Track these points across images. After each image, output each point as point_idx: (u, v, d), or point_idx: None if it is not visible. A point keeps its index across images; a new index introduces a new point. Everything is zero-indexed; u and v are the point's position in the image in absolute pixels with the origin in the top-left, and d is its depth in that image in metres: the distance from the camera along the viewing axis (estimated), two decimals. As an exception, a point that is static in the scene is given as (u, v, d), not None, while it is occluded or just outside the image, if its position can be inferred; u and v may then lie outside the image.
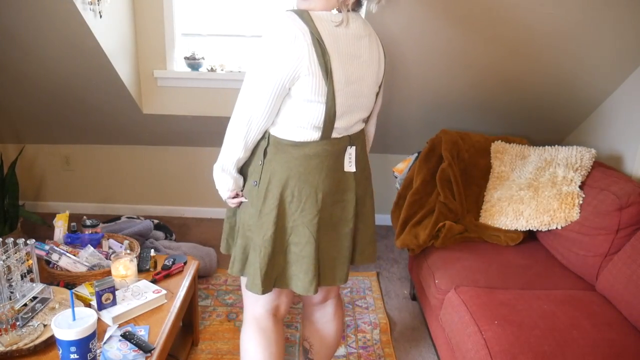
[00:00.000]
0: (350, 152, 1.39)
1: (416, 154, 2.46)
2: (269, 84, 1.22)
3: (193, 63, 2.73)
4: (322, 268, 1.40)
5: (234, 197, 1.42)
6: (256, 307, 1.49)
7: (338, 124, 1.31)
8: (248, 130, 1.29)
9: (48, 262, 1.76)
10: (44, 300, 1.53)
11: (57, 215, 1.96)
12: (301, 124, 1.29)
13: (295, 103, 1.26)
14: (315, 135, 1.30)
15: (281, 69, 1.20)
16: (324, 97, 1.25)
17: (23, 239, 1.53)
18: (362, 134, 1.45)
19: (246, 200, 1.40)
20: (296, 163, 1.31)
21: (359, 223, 1.47)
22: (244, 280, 1.52)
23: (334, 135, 1.33)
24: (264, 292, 1.37)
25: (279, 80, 1.21)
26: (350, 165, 1.39)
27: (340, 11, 1.28)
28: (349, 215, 1.42)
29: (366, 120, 1.50)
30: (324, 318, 1.65)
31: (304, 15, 1.22)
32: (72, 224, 2.00)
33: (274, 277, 1.39)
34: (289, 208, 1.33)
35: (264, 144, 1.33)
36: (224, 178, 1.38)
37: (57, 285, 1.68)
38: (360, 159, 1.43)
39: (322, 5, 1.25)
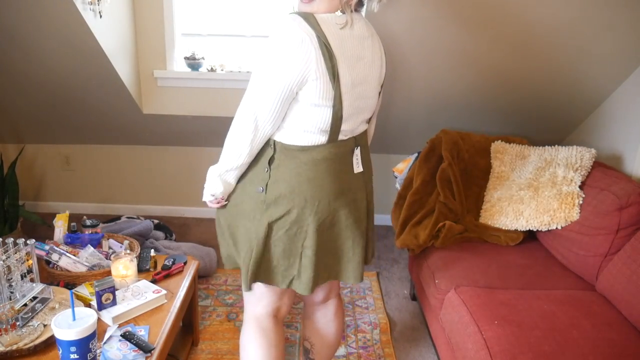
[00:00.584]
0: (357, 153, 1.39)
1: (416, 154, 2.46)
2: (276, 89, 1.21)
3: (193, 63, 2.73)
4: (340, 268, 1.43)
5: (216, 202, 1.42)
6: (257, 307, 1.49)
7: (344, 126, 1.31)
8: (254, 136, 1.27)
9: (48, 262, 1.76)
10: (44, 300, 1.53)
11: (57, 215, 1.96)
12: (308, 128, 1.28)
13: (302, 107, 1.26)
14: (323, 138, 1.30)
15: (289, 74, 1.19)
16: (331, 101, 1.24)
17: (23, 239, 1.53)
18: (365, 134, 1.45)
19: (226, 203, 1.41)
20: (305, 168, 1.30)
21: (370, 222, 1.48)
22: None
23: (341, 137, 1.33)
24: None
25: (287, 85, 1.20)
26: (358, 166, 1.40)
27: (343, 12, 1.27)
28: (362, 215, 1.43)
29: (369, 121, 1.51)
30: (325, 318, 1.65)
31: (309, 18, 1.20)
32: (72, 224, 2.00)
33: (288, 275, 1.39)
34: (301, 213, 1.32)
35: (270, 152, 1.32)
36: (218, 184, 1.37)
37: (57, 285, 1.68)
38: (364, 159, 1.43)
39: (326, 7, 1.24)
